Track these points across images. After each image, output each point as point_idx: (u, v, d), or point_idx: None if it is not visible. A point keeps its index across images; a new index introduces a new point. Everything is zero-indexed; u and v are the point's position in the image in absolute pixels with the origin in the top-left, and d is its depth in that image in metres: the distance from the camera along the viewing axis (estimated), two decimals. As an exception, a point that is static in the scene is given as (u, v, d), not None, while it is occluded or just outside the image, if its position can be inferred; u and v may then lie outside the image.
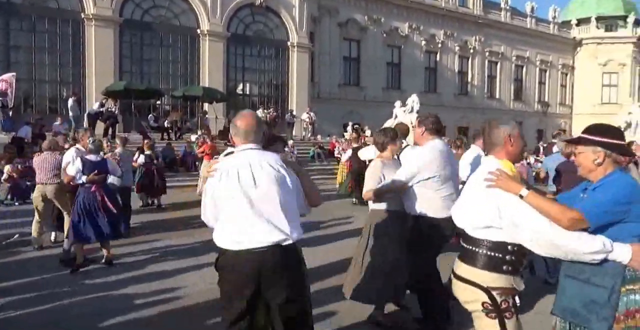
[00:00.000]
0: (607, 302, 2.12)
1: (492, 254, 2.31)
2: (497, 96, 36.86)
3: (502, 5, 35.92)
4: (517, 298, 2.39)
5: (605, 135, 2.24)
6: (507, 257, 2.30)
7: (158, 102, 21.86)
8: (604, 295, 2.13)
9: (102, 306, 4.41)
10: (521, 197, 2.20)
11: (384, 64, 30.42)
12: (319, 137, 22.92)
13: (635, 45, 39.73)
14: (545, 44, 38.98)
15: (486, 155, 2.57)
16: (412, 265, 3.73)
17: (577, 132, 29.52)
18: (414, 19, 31.19)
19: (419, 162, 3.66)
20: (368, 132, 23.33)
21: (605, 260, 2.12)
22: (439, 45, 32.60)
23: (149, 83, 20.32)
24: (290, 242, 2.42)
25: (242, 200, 2.39)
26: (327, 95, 27.66)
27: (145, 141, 7.42)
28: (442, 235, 3.66)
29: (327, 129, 24.79)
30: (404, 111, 22.06)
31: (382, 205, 3.82)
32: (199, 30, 21.72)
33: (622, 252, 2.09)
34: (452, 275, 2.50)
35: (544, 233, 2.14)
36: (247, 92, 24.93)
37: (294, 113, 23.08)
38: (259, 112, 21.45)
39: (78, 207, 5.56)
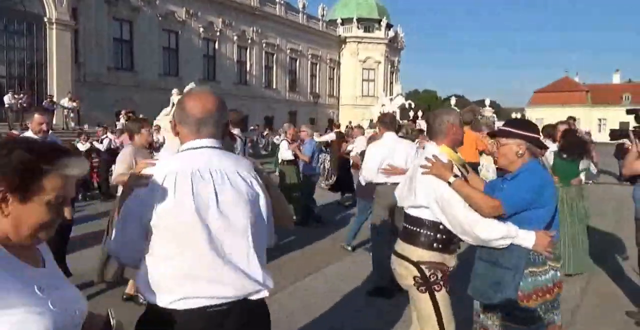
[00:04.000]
0: (512, 281, 2.32)
1: (425, 232, 2.51)
2: (274, 86, 38.72)
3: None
4: (444, 272, 2.55)
5: (527, 129, 2.44)
6: (438, 236, 2.49)
7: None
8: (508, 276, 2.33)
9: None
10: (450, 184, 2.38)
11: (160, 48, 29.05)
12: (85, 126, 20.73)
13: (387, 46, 46.10)
14: (315, 39, 42.34)
15: (430, 140, 2.75)
16: None
17: (344, 121, 32.51)
18: (191, 5, 30.43)
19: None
20: (143, 121, 22.08)
21: (512, 245, 2.33)
22: (218, 33, 32.56)
23: None
24: (263, 294, 1.65)
25: (195, 229, 1.52)
26: (95, 79, 25.18)
27: None
28: None
29: (96, 118, 22.60)
30: (182, 99, 21.50)
31: None
32: None
33: (526, 238, 2.31)
34: (392, 253, 2.69)
35: (458, 218, 2.36)
36: (-8, 72, 21.02)
37: (54, 99, 20.38)
38: (7, 98, 18.39)
39: None
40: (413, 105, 33.73)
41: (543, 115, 54.03)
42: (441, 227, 2.49)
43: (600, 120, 59.56)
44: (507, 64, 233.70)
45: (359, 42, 45.20)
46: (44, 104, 20.12)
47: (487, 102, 42.81)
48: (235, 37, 34.04)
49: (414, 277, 2.53)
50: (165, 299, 1.52)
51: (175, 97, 21.56)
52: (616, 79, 67.51)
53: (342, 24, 44.95)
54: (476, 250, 2.55)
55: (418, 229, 2.55)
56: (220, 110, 1.67)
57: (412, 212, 2.60)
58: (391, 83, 45.63)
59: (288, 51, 39.67)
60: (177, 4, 29.55)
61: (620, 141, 11.87)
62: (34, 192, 1.10)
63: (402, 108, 29.96)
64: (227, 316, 1.56)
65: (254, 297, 1.62)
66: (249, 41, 35.33)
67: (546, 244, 2.33)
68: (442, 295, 2.53)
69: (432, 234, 2.52)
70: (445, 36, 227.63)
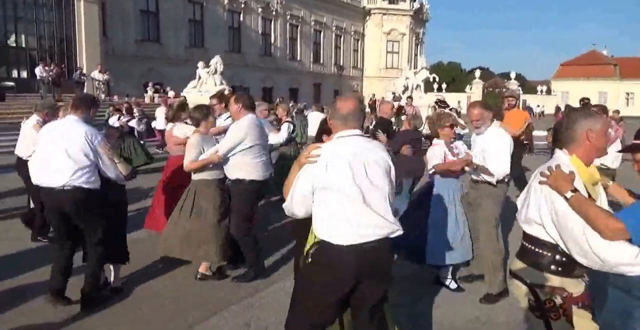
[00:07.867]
0: None
1: (541, 251, 2.16)
2: (299, 58, 38.56)
3: (301, -30, 37.10)
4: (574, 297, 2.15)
5: None
6: (557, 257, 2.11)
7: None
8: None
9: None
10: (566, 199, 2.02)
11: (186, 20, 29.12)
12: (115, 97, 21.15)
13: (412, 18, 45.17)
14: (339, 10, 41.73)
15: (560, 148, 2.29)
16: (234, 223, 4.21)
17: (367, 93, 32.27)
18: (215, -24, 30.27)
19: (240, 134, 4.09)
20: (171, 93, 22.36)
21: None
22: (242, 5, 32.41)
23: None
24: (399, 232, 2.29)
25: (352, 191, 2.19)
26: (123, 51, 25.48)
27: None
28: (258, 195, 4.47)
29: (124, 90, 23.00)
30: (208, 72, 21.66)
31: (204, 174, 4.19)
32: (-51, -34, 17.71)
33: None
34: (509, 272, 2.40)
35: (575, 236, 2.00)
36: (23, 45, 21.47)
37: (84, 71, 20.78)
38: (38, 70, 18.75)
39: None
40: (437, 79, 33.28)
41: (569, 88, 52.73)
42: (559, 248, 2.12)
43: (628, 94, 57.76)
44: (533, 36, 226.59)
45: (383, 14, 44.38)
46: (74, 76, 20.61)
47: (513, 75, 41.96)
48: (259, 9, 33.83)
49: (528, 300, 2.21)
50: (329, 236, 2.20)
51: (201, 70, 21.76)
52: (647, 52, 65.02)
53: (367, -6, 44.15)
54: (609, 276, 2.18)
55: (534, 248, 2.19)
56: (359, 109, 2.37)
57: (527, 229, 2.25)
58: (416, 55, 44.88)
59: (312, 23, 39.27)
60: (201, -26, 29.44)
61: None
62: None
63: (427, 82, 29.62)
64: (375, 250, 2.21)
65: (393, 236, 2.28)
66: (274, 13, 35.07)
67: None
68: (560, 325, 2.13)
69: (549, 254, 2.14)
70: (470, 8, 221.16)
